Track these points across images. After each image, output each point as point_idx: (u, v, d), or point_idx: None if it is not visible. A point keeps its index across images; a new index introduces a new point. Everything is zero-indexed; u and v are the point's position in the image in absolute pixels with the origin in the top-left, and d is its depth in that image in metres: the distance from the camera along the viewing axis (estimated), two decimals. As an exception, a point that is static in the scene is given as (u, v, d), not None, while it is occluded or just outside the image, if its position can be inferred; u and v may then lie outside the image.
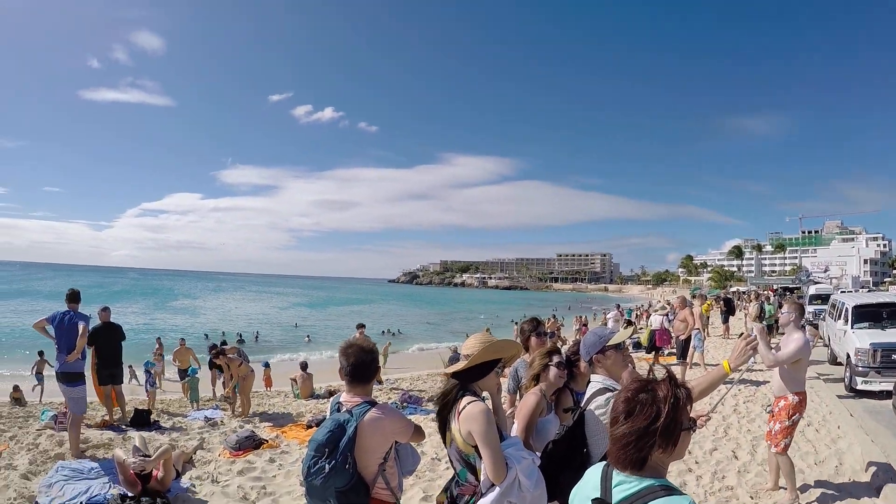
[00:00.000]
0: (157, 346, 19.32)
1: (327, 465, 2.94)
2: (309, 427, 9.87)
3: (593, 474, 2.08)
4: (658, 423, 1.87)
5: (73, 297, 8.58)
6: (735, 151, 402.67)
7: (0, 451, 8.16)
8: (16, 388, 14.46)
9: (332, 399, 3.42)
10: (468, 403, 2.98)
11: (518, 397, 4.98)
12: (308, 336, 39.09)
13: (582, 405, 3.50)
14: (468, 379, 3.11)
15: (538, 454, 3.33)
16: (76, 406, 8.29)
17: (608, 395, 3.30)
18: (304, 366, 15.72)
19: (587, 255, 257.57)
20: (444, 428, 3.18)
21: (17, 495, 6.34)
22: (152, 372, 13.94)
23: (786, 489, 6.08)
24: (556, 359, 4.02)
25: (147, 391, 13.38)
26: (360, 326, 15.24)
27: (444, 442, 3.22)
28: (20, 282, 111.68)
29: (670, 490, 1.87)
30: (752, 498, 6.18)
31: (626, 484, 1.91)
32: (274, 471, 7.52)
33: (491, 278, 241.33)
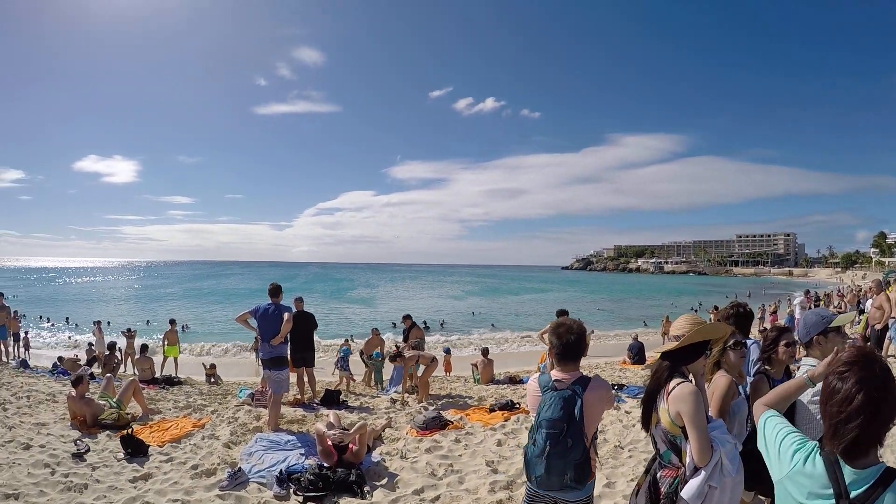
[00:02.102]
0: None
1: (570, 440, 3.20)
2: (492, 411, 9.88)
3: (814, 468, 1.95)
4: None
5: (275, 291, 9.32)
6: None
7: (203, 423, 9.00)
8: (212, 367, 15.91)
9: (538, 377, 3.55)
10: (678, 384, 3.04)
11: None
12: (493, 324, 40.28)
13: None
14: (679, 360, 3.17)
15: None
16: (278, 387, 8.92)
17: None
18: (485, 352, 15.87)
19: (769, 236, 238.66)
20: (648, 409, 3.24)
21: (220, 461, 7.06)
22: (347, 359, 14.60)
23: None
24: (733, 339, 3.99)
25: (339, 375, 14.10)
26: (562, 313, 14.81)
27: (645, 424, 3.30)
28: (214, 278, 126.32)
29: (892, 471, 1.81)
30: None
31: (860, 479, 1.83)
32: (460, 450, 7.62)
33: (667, 263, 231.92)
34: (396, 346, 13.53)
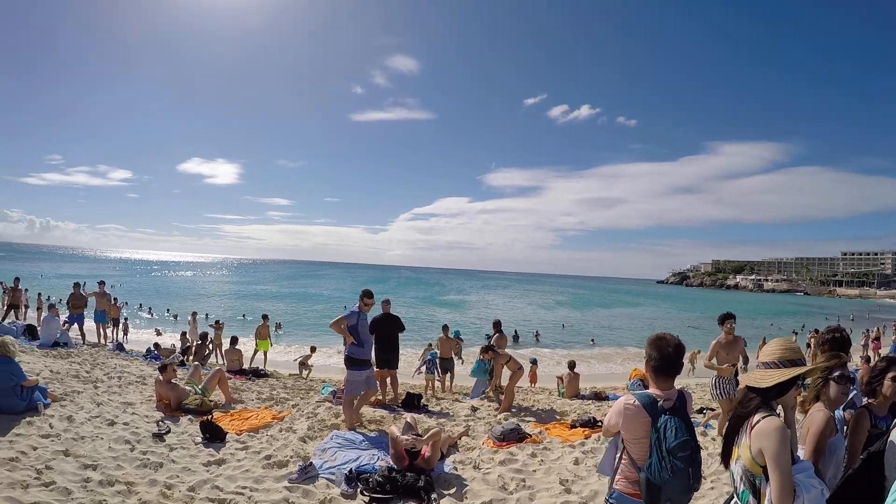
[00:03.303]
0: None
1: (699, 455, 3.20)
2: (573, 427, 9.62)
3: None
4: None
5: (362, 293, 9.42)
6: None
7: (283, 416, 9.21)
8: (312, 349, 16.66)
9: (638, 397, 3.32)
10: (763, 417, 2.77)
11: None
12: (593, 340, 38.44)
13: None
14: (769, 392, 2.88)
15: (826, 483, 3.03)
16: (351, 387, 9.05)
17: None
18: (571, 365, 15.54)
19: (877, 255, 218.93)
20: (729, 443, 3.02)
21: (293, 454, 7.22)
22: (434, 361, 14.65)
23: None
24: (836, 372, 3.65)
25: (426, 377, 14.19)
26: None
27: (725, 459, 3.08)
28: (309, 277, 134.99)
29: None
30: None
31: None
32: (535, 465, 7.42)
33: (767, 280, 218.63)
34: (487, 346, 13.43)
